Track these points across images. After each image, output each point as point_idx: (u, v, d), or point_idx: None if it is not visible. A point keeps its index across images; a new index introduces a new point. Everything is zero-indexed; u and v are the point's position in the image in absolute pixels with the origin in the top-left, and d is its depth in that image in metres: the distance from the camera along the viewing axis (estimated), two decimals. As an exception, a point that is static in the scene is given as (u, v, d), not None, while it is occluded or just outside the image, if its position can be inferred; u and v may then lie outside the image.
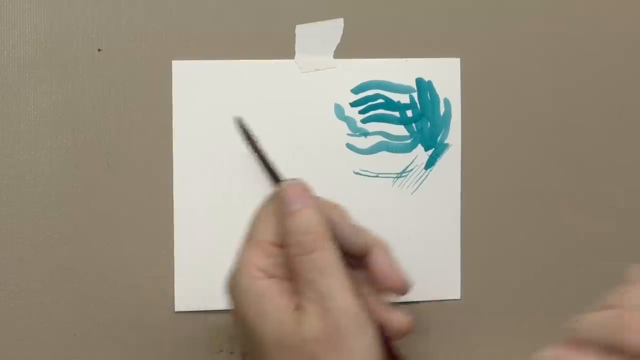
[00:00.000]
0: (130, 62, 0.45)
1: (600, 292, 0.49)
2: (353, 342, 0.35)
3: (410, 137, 0.48)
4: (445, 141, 0.49)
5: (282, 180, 0.40)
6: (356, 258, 0.39)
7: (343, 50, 0.47)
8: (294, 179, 0.40)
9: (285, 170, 0.47)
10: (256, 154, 0.42)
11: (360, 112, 0.48)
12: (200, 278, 0.46)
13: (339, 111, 0.47)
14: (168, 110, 0.46)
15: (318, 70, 0.47)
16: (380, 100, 0.48)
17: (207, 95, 0.46)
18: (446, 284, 0.49)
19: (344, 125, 0.48)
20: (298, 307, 0.36)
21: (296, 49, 0.47)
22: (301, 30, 0.47)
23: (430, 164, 0.48)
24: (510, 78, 0.49)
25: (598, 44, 0.50)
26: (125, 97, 0.46)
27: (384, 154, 0.48)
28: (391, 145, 0.48)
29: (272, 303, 0.36)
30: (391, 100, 0.48)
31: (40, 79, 0.45)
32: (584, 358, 0.31)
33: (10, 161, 0.45)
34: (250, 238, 0.39)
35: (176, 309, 0.47)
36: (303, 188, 0.39)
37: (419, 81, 0.48)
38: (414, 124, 0.48)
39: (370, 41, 0.48)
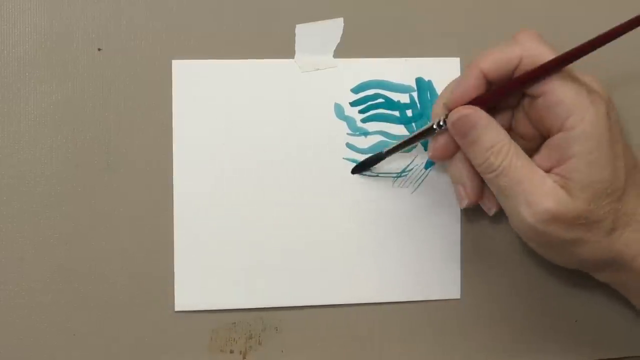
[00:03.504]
0: (130, 62, 0.45)
1: (600, 291, 0.49)
2: None
3: (410, 136, 0.48)
4: (445, 141, 0.49)
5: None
6: None
7: (343, 50, 0.47)
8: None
9: (285, 170, 0.47)
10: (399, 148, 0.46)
11: (360, 111, 0.48)
12: (200, 278, 0.46)
13: (338, 111, 0.47)
14: (168, 110, 0.46)
15: (318, 70, 0.47)
16: (380, 100, 0.48)
17: (207, 95, 0.46)
18: (446, 284, 0.49)
19: (343, 124, 0.48)
20: None
21: (296, 48, 0.47)
22: (301, 30, 0.47)
23: (430, 163, 0.48)
24: (510, 78, 0.49)
25: (598, 44, 0.50)
26: (125, 97, 0.46)
27: (384, 153, 0.48)
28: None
29: None
30: (391, 99, 0.48)
31: (40, 79, 0.45)
32: None
33: (10, 161, 0.45)
34: None
35: (176, 309, 0.47)
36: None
37: (419, 81, 0.48)
38: (413, 124, 0.48)
39: (370, 41, 0.48)
